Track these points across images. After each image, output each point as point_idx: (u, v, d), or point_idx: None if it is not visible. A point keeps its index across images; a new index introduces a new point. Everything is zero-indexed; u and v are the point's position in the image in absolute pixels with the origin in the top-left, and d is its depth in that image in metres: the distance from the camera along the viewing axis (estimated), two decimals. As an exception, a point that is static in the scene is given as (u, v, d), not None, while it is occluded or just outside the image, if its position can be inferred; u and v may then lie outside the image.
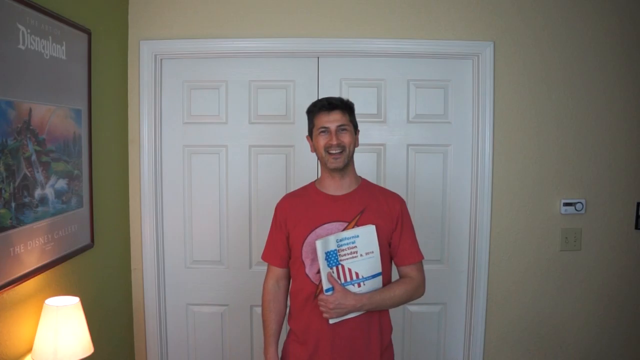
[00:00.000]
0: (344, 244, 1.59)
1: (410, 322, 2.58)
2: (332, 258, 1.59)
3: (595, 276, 2.52)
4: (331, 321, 1.62)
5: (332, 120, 1.65)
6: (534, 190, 2.48)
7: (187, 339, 2.58)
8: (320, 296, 1.61)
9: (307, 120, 1.76)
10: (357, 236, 1.60)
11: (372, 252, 1.61)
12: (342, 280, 1.60)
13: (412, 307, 2.55)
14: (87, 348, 1.60)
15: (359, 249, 1.60)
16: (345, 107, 1.69)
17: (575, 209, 2.47)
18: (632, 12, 2.43)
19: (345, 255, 1.59)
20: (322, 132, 1.67)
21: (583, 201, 2.47)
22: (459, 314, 2.57)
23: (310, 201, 1.74)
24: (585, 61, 2.44)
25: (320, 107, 1.68)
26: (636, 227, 2.50)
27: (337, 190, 1.72)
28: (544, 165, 2.47)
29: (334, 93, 2.34)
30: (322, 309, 1.61)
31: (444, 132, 2.52)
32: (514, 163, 2.47)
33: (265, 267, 1.83)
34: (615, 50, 2.43)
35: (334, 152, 1.65)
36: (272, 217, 1.81)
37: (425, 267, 1.77)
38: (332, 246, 1.58)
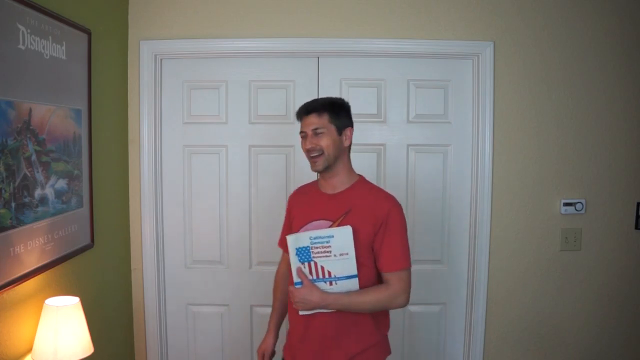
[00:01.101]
0: (318, 242, 1.62)
1: (410, 322, 2.57)
2: (304, 254, 1.63)
3: (595, 276, 2.52)
4: (300, 312, 1.68)
5: (308, 124, 1.68)
6: (534, 190, 2.48)
7: (187, 339, 2.58)
8: (290, 288, 1.68)
9: None
10: (332, 236, 1.61)
11: (347, 253, 1.61)
12: (314, 277, 1.64)
13: (412, 307, 2.54)
14: (87, 348, 1.60)
15: (333, 249, 1.61)
16: (323, 109, 1.69)
17: (575, 209, 2.47)
18: (632, 12, 2.43)
19: (318, 253, 1.62)
20: (303, 136, 1.71)
21: (583, 201, 2.47)
22: (459, 314, 2.57)
23: (309, 197, 1.80)
24: (585, 61, 2.44)
25: (299, 112, 1.73)
26: (636, 227, 2.50)
27: (330, 189, 1.74)
28: (544, 165, 2.47)
29: (334, 93, 2.34)
30: (291, 300, 1.68)
31: (444, 132, 2.52)
32: (514, 163, 2.47)
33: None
34: (615, 50, 2.43)
35: (312, 155, 1.69)
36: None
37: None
38: (305, 243, 1.62)
